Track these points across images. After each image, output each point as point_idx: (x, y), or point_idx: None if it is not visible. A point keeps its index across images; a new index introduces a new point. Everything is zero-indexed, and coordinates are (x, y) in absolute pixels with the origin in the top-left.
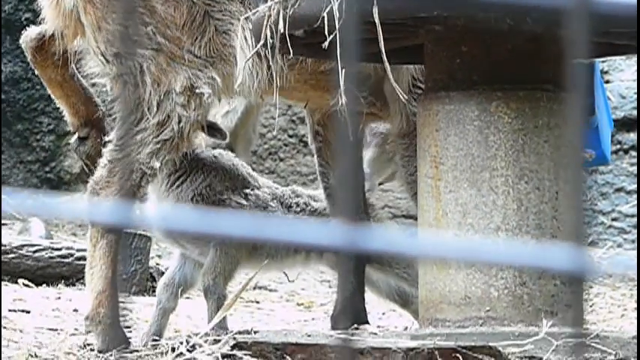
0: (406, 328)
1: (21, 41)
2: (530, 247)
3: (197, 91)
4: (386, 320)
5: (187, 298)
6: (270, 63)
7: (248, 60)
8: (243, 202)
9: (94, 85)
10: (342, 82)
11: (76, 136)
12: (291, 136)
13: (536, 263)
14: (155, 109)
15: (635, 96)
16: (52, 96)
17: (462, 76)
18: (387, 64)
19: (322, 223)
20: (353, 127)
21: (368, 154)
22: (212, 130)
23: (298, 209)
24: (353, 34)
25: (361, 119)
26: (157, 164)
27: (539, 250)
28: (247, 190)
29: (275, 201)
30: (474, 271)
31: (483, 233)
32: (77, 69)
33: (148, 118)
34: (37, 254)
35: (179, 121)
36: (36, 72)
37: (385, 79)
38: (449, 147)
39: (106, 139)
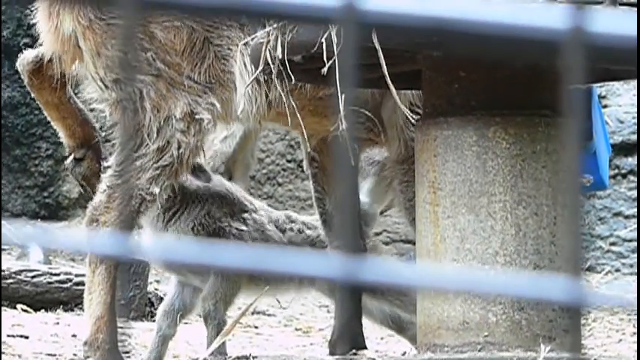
0: (404, 354)
1: (18, 64)
2: (528, 277)
3: (197, 116)
4: (384, 345)
5: (186, 323)
6: (269, 89)
7: (248, 86)
8: (243, 227)
9: (92, 110)
10: (341, 107)
11: (71, 157)
12: (289, 161)
13: (534, 294)
14: (155, 135)
15: (634, 120)
16: (49, 118)
17: (460, 102)
18: (392, 87)
19: (317, 252)
20: (352, 151)
21: (366, 184)
22: (197, 171)
23: (292, 234)
24: (351, 59)
25: (360, 144)
26: (157, 190)
27: (536, 281)
28: (245, 215)
29: (271, 224)
30: (471, 296)
31: (482, 259)
32: (75, 92)
33: (147, 144)
34: (35, 279)
35: (179, 147)
36: (33, 95)
37: (383, 105)
38: (447, 172)
39: (105, 164)
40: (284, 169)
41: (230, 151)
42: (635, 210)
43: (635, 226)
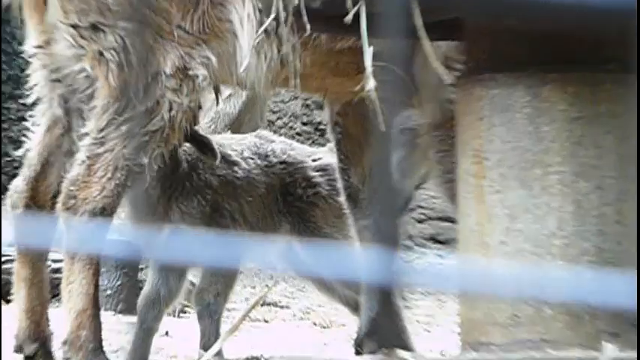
0: (442, 353)
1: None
2: (589, 275)
3: (190, 72)
4: (417, 343)
5: (181, 316)
6: (281, 42)
7: (258, 37)
8: (234, 202)
9: (65, 77)
10: (368, 63)
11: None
12: (305, 124)
13: (598, 295)
14: (142, 94)
15: None
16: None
17: (509, 55)
18: (424, 37)
19: (351, 248)
20: (382, 115)
21: (397, 155)
22: (202, 145)
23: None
24: (379, 5)
25: (391, 107)
26: (146, 160)
27: (598, 280)
28: (238, 170)
29: (254, 155)
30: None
31: (535, 241)
32: None
33: (133, 106)
34: (4, 266)
35: (170, 109)
36: None
37: (414, 60)
38: (494, 139)
39: (83, 130)
40: (299, 134)
41: (235, 112)
42: None
43: None
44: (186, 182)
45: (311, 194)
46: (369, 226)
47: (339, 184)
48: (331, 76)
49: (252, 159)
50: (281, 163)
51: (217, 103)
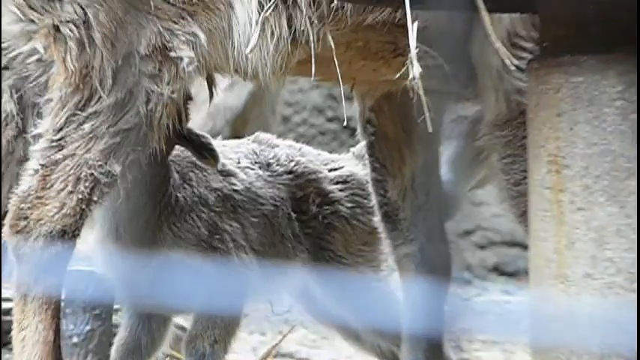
0: None
1: None
2: None
3: (171, 54)
4: None
5: None
6: (293, 16)
7: (270, 8)
8: (235, 224)
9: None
10: (412, 42)
11: None
12: (330, 120)
13: None
14: (110, 82)
15: None
16: None
17: (597, 32)
18: (482, 8)
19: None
20: (429, 111)
21: (448, 151)
22: (198, 147)
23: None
24: None
25: (440, 100)
26: (117, 167)
27: None
28: (237, 182)
29: (254, 165)
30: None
31: (629, 273)
32: None
33: (100, 98)
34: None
35: (147, 101)
36: None
37: (472, 39)
38: (577, 141)
39: (35, 131)
40: (322, 133)
41: (239, 105)
42: None
43: None
44: (177, 197)
45: (328, 213)
46: (413, 255)
47: (372, 201)
48: (360, 60)
49: (252, 169)
50: (288, 172)
51: (211, 95)
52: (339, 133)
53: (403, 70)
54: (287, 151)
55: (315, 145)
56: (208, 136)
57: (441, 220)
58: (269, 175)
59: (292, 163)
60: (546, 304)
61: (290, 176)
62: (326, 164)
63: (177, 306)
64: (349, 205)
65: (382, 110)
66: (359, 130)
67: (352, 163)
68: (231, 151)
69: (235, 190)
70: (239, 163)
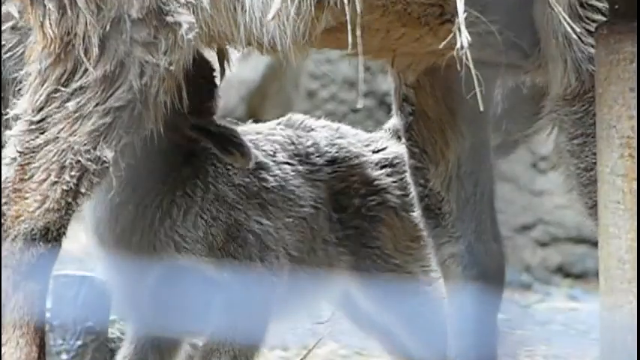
0: None
1: None
2: None
3: (168, 19)
4: None
5: None
6: None
7: None
8: (265, 220)
9: None
10: (461, 8)
11: None
12: (364, 95)
13: None
14: (97, 51)
15: None
16: None
17: None
18: None
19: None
20: (481, 87)
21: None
22: (223, 141)
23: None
24: None
25: (495, 73)
26: (108, 153)
27: None
28: (269, 178)
29: (292, 160)
30: None
31: None
32: None
33: (85, 70)
34: None
35: (141, 74)
36: None
37: (534, 3)
38: None
39: (11, 112)
40: (354, 110)
41: (256, 78)
42: None
43: None
44: (185, 193)
45: (374, 205)
46: (459, 255)
47: (413, 192)
48: (400, 27)
49: (291, 164)
50: (328, 163)
51: (222, 72)
52: (375, 110)
53: (449, 38)
54: (324, 133)
55: (347, 122)
56: (234, 128)
57: (493, 214)
58: (308, 171)
59: (333, 149)
60: (619, 313)
61: (330, 168)
62: (367, 145)
63: (186, 327)
64: (398, 192)
65: (422, 86)
66: (394, 110)
67: (393, 143)
68: (265, 141)
69: (266, 188)
70: (274, 156)
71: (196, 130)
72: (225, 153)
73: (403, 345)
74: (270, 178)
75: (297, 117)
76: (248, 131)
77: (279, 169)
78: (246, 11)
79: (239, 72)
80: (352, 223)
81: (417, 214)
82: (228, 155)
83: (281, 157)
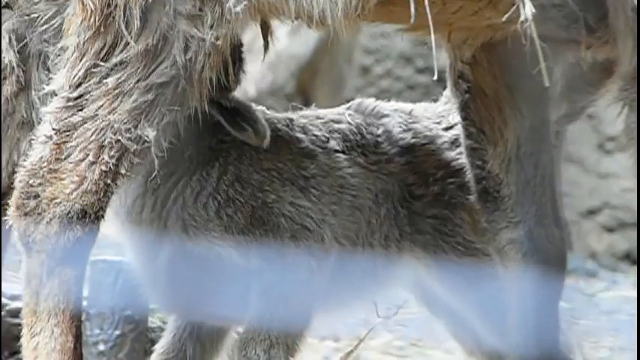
0: None
1: None
2: None
3: None
4: None
5: None
6: None
7: None
8: (304, 202)
9: None
10: None
11: None
12: (420, 71)
13: None
14: (138, 24)
15: None
16: None
17: None
18: None
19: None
20: (546, 63)
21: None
22: (237, 116)
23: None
24: None
25: (558, 49)
26: (150, 132)
27: None
28: (309, 168)
29: (352, 151)
30: None
31: None
32: None
33: (126, 44)
34: None
35: (185, 49)
36: None
37: None
38: None
39: (47, 88)
40: (410, 87)
41: (306, 53)
42: None
43: None
44: (201, 175)
45: (453, 188)
46: (519, 241)
47: (469, 174)
48: (456, 1)
49: (347, 153)
50: (402, 152)
51: (266, 46)
52: (432, 87)
53: (512, 10)
54: (398, 119)
55: (402, 99)
56: (249, 103)
57: (555, 197)
58: (373, 162)
59: (408, 136)
60: None
61: (404, 158)
62: (438, 122)
63: (221, 314)
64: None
65: (479, 62)
66: (449, 87)
67: (453, 110)
68: (319, 127)
69: (304, 176)
70: (327, 142)
71: (210, 104)
72: (237, 129)
73: (473, 330)
74: (311, 166)
75: (367, 102)
76: (307, 115)
77: (328, 157)
78: None
79: (289, 47)
80: (429, 213)
81: (473, 197)
82: (240, 131)
83: (335, 144)
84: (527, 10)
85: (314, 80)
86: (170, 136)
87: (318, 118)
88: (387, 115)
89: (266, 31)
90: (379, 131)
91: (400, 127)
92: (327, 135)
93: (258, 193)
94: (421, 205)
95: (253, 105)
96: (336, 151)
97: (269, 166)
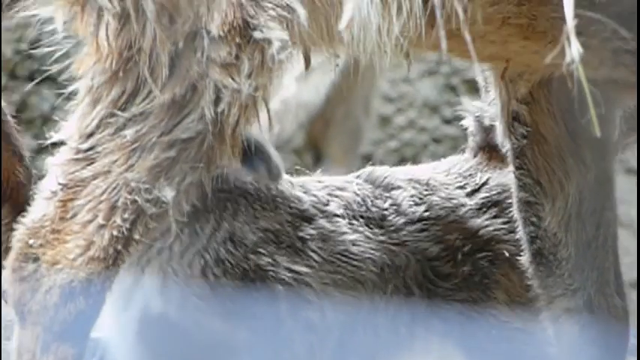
0: None
1: None
2: None
3: (256, 34)
4: None
5: None
6: None
7: None
8: (302, 268)
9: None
10: (569, 12)
11: None
12: (448, 122)
13: None
14: (166, 71)
15: None
16: None
17: None
18: None
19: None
20: (598, 107)
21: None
22: (254, 154)
23: (393, 218)
24: None
25: (618, 92)
26: (169, 192)
27: None
28: (309, 231)
29: (354, 219)
30: None
31: None
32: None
33: (149, 93)
34: None
35: (216, 100)
36: None
37: None
38: None
39: (54, 137)
40: (436, 140)
41: (317, 101)
42: None
43: None
44: (194, 229)
45: (485, 266)
46: (577, 310)
47: (521, 231)
48: (520, 40)
49: (347, 219)
50: (412, 223)
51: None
52: (461, 140)
53: (557, 50)
54: (411, 191)
55: (427, 158)
56: (263, 139)
57: (617, 263)
58: (378, 234)
59: (421, 209)
60: None
61: (414, 227)
62: (461, 186)
63: None
64: (509, 235)
65: (538, 102)
66: (501, 131)
67: (492, 172)
68: (320, 188)
69: (301, 238)
70: (326, 205)
71: None
72: (248, 167)
73: None
74: (311, 230)
75: (380, 171)
76: (308, 181)
77: (329, 221)
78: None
79: (298, 93)
80: (457, 297)
81: (525, 258)
82: (253, 171)
83: (334, 207)
84: (574, 50)
85: (326, 132)
86: (193, 199)
87: (319, 181)
88: (399, 187)
89: (307, 60)
90: (385, 205)
91: (412, 200)
92: (326, 197)
93: (250, 255)
94: (446, 287)
95: (267, 140)
96: (336, 215)
97: (266, 225)
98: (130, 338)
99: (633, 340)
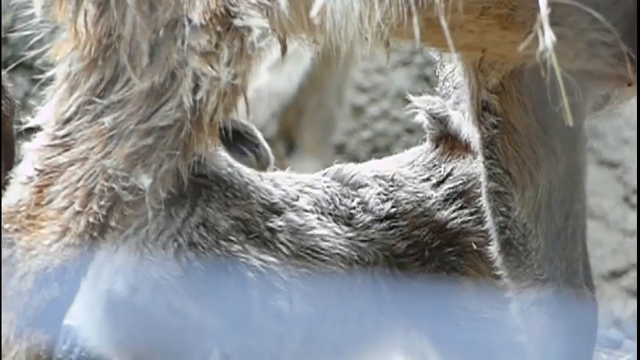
0: None
1: None
2: None
3: (236, 22)
4: None
5: None
6: None
7: None
8: (271, 258)
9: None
10: (543, 3)
11: None
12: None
13: None
14: (146, 59)
15: None
16: None
17: None
18: None
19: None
20: (572, 98)
21: None
22: (242, 143)
23: (360, 217)
24: None
25: (590, 83)
26: (145, 180)
27: None
28: (277, 222)
29: (320, 215)
30: None
31: None
32: None
33: (128, 80)
34: None
35: (195, 88)
36: None
37: None
38: None
39: (34, 121)
40: (409, 130)
41: (290, 90)
42: None
43: None
44: (169, 213)
45: (453, 260)
46: (546, 302)
47: (490, 222)
48: (499, 30)
49: (316, 213)
50: (379, 220)
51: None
52: None
53: (530, 38)
54: (377, 189)
55: (400, 148)
56: (252, 125)
57: (586, 254)
58: (345, 231)
59: (387, 206)
60: None
61: (382, 224)
62: (426, 179)
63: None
64: (477, 227)
65: (508, 92)
66: (470, 120)
67: (445, 155)
68: (289, 184)
69: (270, 229)
70: (296, 200)
71: None
72: (237, 154)
73: None
74: (278, 220)
75: (347, 169)
76: (278, 176)
77: (298, 215)
78: (327, 16)
79: (270, 82)
80: (425, 290)
81: (493, 248)
82: (241, 157)
83: (303, 203)
84: (547, 39)
85: (299, 122)
86: (169, 186)
87: (288, 177)
88: (366, 185)
89: (284, 47)
90: (353, 204)
91: (379, 197)
92: (295, 191)
93: (222, 241)
94: (412, 281)
95: (254, 127)
96: (306, 210)
97: (237, 214)
98: (98, 316)
99: (603, 331)
